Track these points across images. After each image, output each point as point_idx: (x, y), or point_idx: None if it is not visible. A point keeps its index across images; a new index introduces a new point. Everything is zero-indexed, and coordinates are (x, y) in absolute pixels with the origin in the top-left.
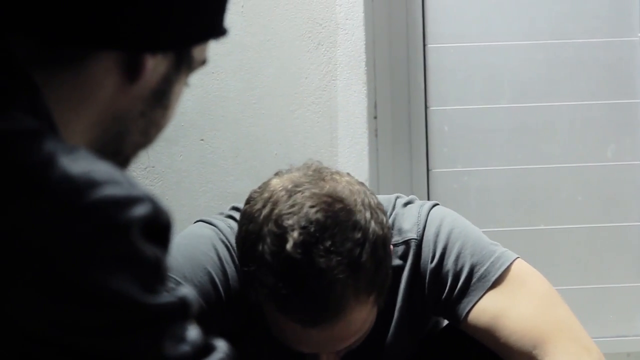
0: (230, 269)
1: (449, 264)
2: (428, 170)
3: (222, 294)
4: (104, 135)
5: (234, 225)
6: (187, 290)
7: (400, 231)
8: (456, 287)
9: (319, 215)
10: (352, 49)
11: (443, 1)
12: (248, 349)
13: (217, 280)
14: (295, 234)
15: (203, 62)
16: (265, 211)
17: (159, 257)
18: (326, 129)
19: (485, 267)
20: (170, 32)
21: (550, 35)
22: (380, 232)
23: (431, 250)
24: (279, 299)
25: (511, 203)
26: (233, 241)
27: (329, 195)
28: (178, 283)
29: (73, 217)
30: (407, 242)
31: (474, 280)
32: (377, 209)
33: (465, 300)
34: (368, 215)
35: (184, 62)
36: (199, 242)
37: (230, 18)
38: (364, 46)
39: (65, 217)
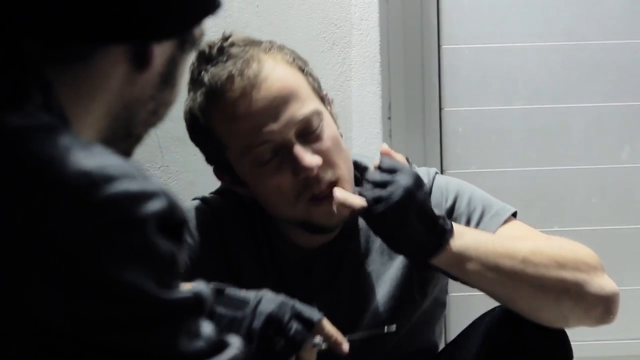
0: (206, 227)
1: (462, 206)
2: (442, 171)
3: (196, 243)
4: (114, 122)
5: (219, 198)
6: (201, 286)
7: None
8: (469, 224)
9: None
10: (367, 50)
11: (458, 2)
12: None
13: (192, 230)
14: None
15: (201, 35)
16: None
17: (174, 252)
18: (340, 129)
19: (495, 210)
20: (173, 19)
21: (566, 37)
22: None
23: (444, 195)
24: (212, 80)
25: (525, 204)
26: (215, 206)
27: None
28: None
29: (89, 212)
30: None
31: (486, 218)
32: None
33: None
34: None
35: (188, 42)
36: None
37: (245, 18)
38: (379, 47)
39: (81, 211)
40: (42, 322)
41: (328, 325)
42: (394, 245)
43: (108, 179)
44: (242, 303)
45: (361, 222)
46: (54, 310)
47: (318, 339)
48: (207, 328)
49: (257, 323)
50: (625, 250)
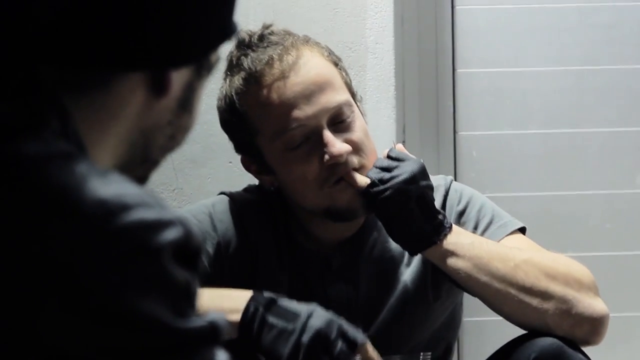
0: (229, 220)
1: (473, 211)
2: None
3: (219, 235)
4: (132, 148)
5: (243, 193)
6: (216, 315)
7: None
8: (477, 229)
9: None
10: (382, 73)
11: (473, 26)
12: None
13: (216, 223)
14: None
15: (217, 60)
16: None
17: (189, 281)
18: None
19: (504, 221)
20: (191, 46)
21: (581, 62)
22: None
23: (457, 196)
24: (251, 64)
25: (539, 229)
26: (238, 198)
27: None
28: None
29: (105, 240)
30: (435, 187)
31: (493, 227)
32: None
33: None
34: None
35: (204, 67)
36: (210, 200)
37: None
38: (394, 70)
39: (97, 239)
40: (55, 350)
41: (370, 349)
42: (392, 230)
43: (124, 207)
44: (293, 315)
45: (376, 221)
46: (68, 338)
47: (358, 358)
48: (222, 357)
49: (306, 337)
50: None
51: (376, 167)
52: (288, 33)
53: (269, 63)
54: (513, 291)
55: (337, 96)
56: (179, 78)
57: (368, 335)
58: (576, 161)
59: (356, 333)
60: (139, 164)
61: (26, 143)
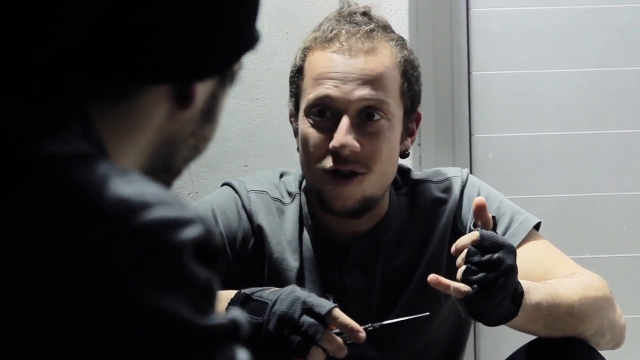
0: (232, 210)
1: (492, 208)
2: None
3: (222, 228)
4: (154, 157)
5: (248, 183)
6: (237, 313)
7: (444, 173)
8: (498, 227)
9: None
10: None
11: (488, 28)
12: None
13: (218, 215)
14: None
15: (240, 69)
16: None
17: (209, 279)
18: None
19: (524, 217)
20: (215, 57)
21: (596, 63)
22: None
23: (476, 192)
24: (327, 30)
25: (556, 231)
26: (244, 195)
27: None
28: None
29: (126, 238)
30: (451, 179)
31: (515, 224)
32: None
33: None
34: None
35: (228, 78)
36: (213, 193)
37: (275, 44)
38: None
39: (118, 237)
40: (75, 350)
41: (341, 315)
42: (480, 317)
43: (145, 205)
44: (263, 307)
45: (394, 214)
46: (88, 337)
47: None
48: (242, 355)
49: (272, 325)
50: None
51: (474, 264)
52: (383, 27)
53: (341, 35)
54: (568, 332)
55: (378, 94)
56: (202, 89)
57: (384, 325)
58: (592, 163)
59: (322, 304)
60: (161, 173)
61: (47, 144)
